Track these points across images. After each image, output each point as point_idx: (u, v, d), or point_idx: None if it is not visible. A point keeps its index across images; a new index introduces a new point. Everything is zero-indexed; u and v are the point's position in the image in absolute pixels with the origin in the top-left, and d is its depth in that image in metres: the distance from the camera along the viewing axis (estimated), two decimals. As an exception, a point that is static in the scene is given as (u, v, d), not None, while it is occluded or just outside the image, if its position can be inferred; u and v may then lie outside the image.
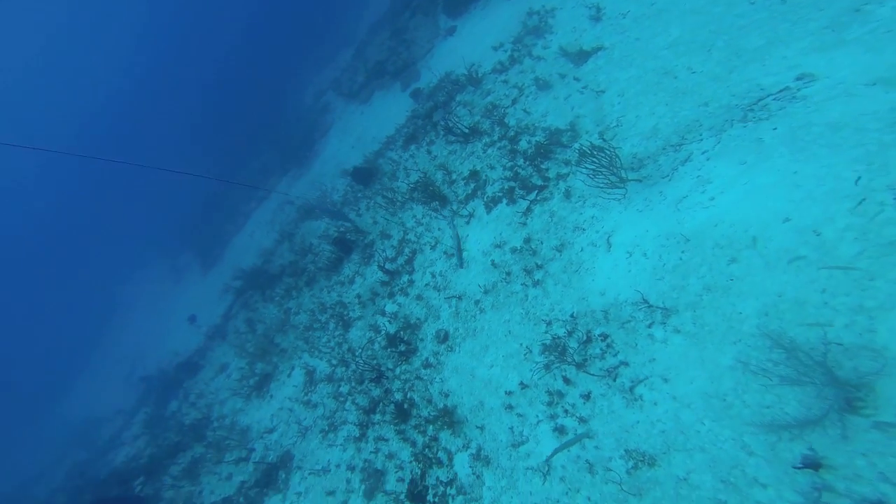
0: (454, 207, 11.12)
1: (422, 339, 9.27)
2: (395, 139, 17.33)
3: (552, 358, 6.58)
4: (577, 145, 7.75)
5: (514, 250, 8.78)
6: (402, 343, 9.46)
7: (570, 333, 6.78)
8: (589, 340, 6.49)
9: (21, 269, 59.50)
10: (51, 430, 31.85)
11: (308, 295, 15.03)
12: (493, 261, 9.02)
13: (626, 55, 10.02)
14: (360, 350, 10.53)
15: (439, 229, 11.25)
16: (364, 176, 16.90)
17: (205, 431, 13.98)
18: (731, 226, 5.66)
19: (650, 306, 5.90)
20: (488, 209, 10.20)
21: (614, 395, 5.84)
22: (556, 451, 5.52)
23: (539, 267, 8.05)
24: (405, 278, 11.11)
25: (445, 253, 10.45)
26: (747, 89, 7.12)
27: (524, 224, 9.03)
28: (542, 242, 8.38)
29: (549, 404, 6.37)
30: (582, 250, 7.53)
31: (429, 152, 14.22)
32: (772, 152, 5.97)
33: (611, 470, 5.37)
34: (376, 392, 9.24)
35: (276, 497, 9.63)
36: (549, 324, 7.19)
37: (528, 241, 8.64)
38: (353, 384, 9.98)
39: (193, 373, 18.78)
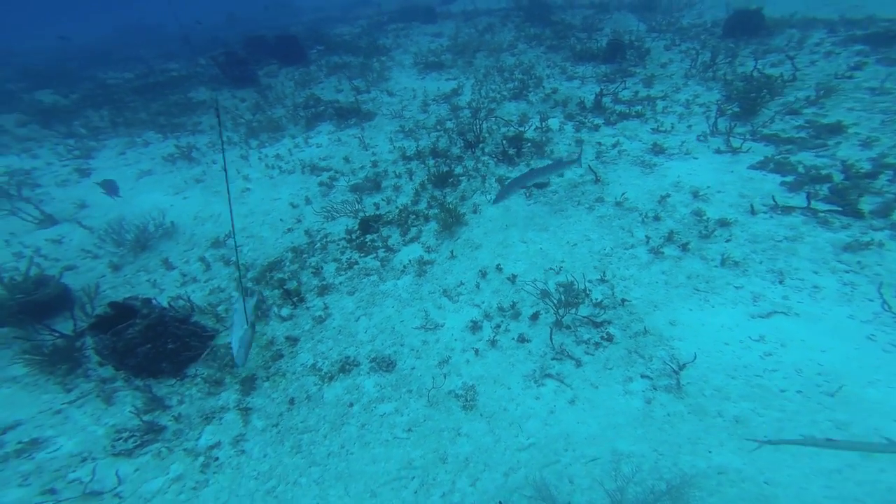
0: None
1: (528, 165, 7.69)
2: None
3: (559, 297, 4.88)
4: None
5: (697, 214, 5.94)
6: (516, 150, 7.99)
7: (597, 305, 4.83)
8: (596, 325, 4.59)
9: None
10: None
11: (536, 53, 13.22)
12: (665, 196, 6.33)
13: None
14: (495, 118, 9.34)
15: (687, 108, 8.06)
16: (736, 27, 12.04)
17: (373, 57, 15.13)
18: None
19: (676, 374, 3.97)
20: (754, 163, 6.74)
21: (535, 361, 4.45)
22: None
23: (684, 248, 5.41)
24: (600, 121, 8.76)
25: (655, 144, 7.65)
26: None
27: (752, 213, 5.83)
28: (730, 240, 5.44)
29: (500, 309, 5.06)
30: (737, 288, 4.73)
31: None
32: None
33: (436, 389, 4.42)
34: (455, 150, 8.45)
35: (328, 126, 10.49)
36: (603, 280, 5.18)
37: (724, 224, 5.68)
38: (456, 128, 9.22)
39: (429, 20, 19.74)
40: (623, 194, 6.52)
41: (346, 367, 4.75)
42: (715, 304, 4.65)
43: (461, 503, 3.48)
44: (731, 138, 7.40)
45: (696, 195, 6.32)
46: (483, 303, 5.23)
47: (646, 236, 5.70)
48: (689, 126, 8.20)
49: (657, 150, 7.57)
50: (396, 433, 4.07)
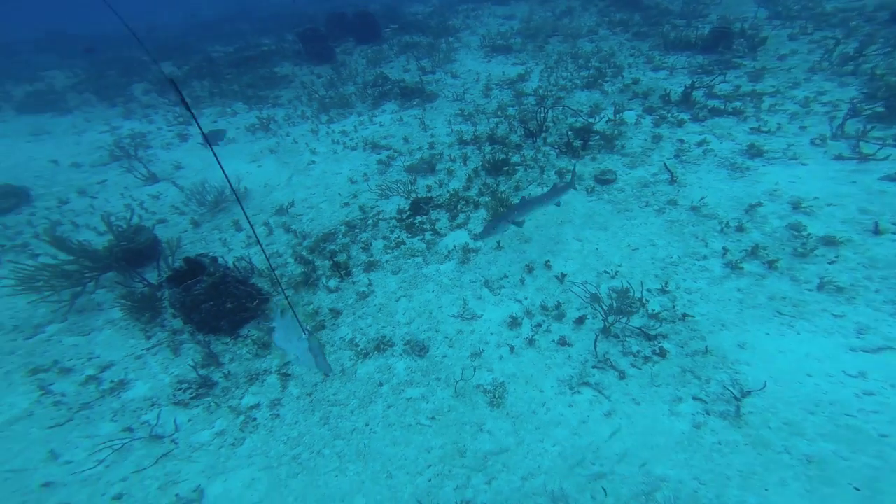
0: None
1: (593, 160, 7.14)
2: None
3: (610, 303, 4.49)
4: None
5: (794, 228, 5.13)
6: (582, 142, 7.44)
7: (653, 316, 4.37)
8: (649, 339, 4.16)
9: None
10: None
11: (619, 40, 12.24)
12: (755, 204, 5.53)
13: None
14: (563, 107, 8.79)
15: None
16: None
17: (442, 38, 15.07)
18: None
19: (737, 401, 3.54)
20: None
21: (574, 367, 4.16)
22: None
23: (771, 266, 4.70)
24: (685, 116, 7.88)
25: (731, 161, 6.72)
26: None
27: (875, 232, 4.90)
28: (835, 261, 4.64)
29: (543, 308, 4.77)
30: (837, 317, 4.03)
31: None
32: None
33: (464, 381, 4.30)
34: (515, 138, 8.09)
35: (392, 105, 10.56)
36: (664, 291, 4.68)
37: (829, 243, 4.84)
38: (518, 115, 8.82)
39: (501, 1, 19.04)
40: (702, 198, 5.81)
41: (382, 346, 4.77)
42: (801, 332, 4.00)
43: (473, 500, 3.36)
44: (861, 143, 6.24)
45: (796, 206, 5.45)
46: (526, 299, 4.97)
47: (723, 248, 5.03)
48: (803, 127, 7.06)
49: (754, 152, 6.63)
50: (420, 419, 4.03)
